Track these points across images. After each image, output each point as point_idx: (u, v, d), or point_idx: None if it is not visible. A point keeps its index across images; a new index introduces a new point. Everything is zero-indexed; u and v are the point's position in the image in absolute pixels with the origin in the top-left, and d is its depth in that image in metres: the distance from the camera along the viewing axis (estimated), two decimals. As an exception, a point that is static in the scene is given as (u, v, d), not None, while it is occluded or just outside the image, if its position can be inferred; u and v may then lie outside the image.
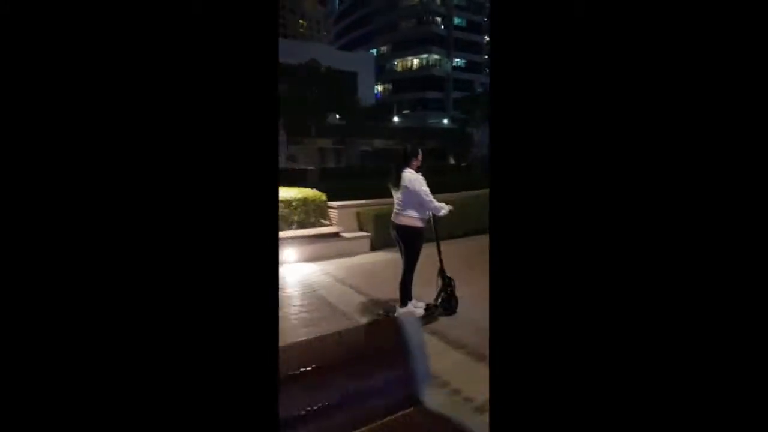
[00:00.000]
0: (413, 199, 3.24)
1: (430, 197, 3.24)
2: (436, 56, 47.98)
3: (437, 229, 3.50)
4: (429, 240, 3.40)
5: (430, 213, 3.36)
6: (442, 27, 48.82)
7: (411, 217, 3.27)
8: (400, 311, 3.36)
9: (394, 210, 3.39)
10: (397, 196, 3.35)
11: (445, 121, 40.00)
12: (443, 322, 3.40)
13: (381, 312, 3.34)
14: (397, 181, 3.31)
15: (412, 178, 3.24)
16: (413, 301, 3.40)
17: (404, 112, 41.56)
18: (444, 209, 3.33)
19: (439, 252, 3.52)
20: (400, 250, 3.41)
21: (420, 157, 3.35)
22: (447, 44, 48.84)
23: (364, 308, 3.69)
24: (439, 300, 3.49)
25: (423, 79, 46.68)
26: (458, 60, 49.95)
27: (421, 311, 3.40)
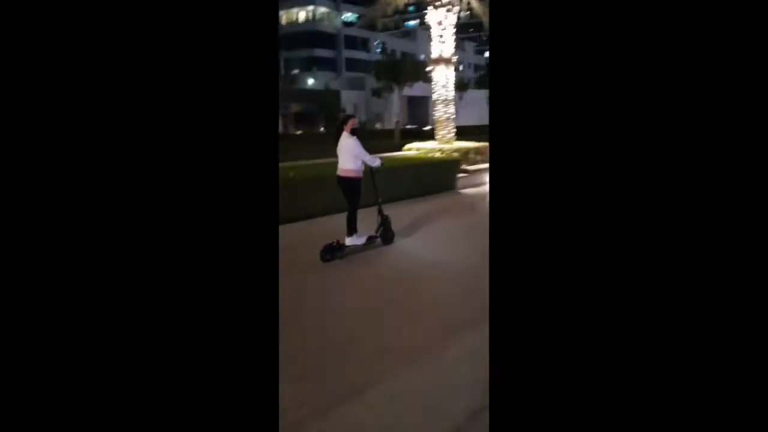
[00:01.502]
0: (349, 156, 4.16)
1: (364, 153, 4.21)
2: (323, 9, 45.86)
3: (375, 177, 4.43)
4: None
5: (365, 165, 4.26)
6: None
7: (349, 170, 4.21)
8: (348, 240, 4.29)
9: (339, 165, 4.29)
10: (339, 154, 4.27)
11: (311, 81, 38.13)
12: (383, 249, 4.44)
13: (333, 241, 4.21)
14: (336, 143, 4.26)
15: (347, 140, 4.19)
16: (356, 234, 4.34)
17: (293, 72, 39.63)
18: (377, 161, 4.29)
19: (377, 195, 4.47)
20: (345, 196, 4.29)
21: (351, 123, 4.29)
22: (334, -5, 46.60)
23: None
24: (379, 233, 4.48)
25: (311, 34, 44.47)
26: (349, 15, 48.44)
27: (363, 240, 4.37)
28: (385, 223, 4.51)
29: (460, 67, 46.92)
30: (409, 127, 28.23)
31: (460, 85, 23.77)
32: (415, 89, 26.45)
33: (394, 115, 27.52)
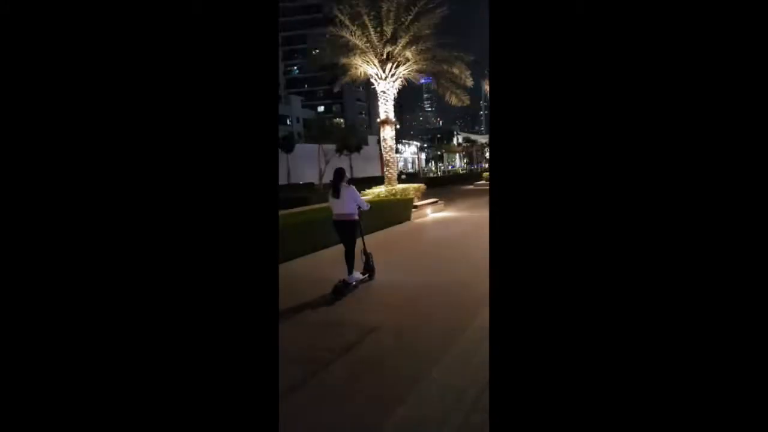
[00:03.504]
0: (349, 201, 4.90)
1: (360, 198, 5.02)
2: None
3: (361, 221, 5.16)
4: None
5: (360, 209, 5.01)
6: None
7: (348, 214, 4.93)
8: (348, 277, 4.87)
9: (335, 212, 4.97)
10: (336, 202, 4.94)
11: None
12: (368, 283, 5.13)
13: (339, 281, 4.71)
14: (336, 192, 4.95)
15: (348, 188, 4.95)
16: (356, 272, 4.96)
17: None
18: (367, 205, 5.09)
19: (362, 235, 5.19)
20: (343, 238, 4.92)
21: (346, 176, 5.09)
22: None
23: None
24: (364, 269, 5.17)
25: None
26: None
27: (360, 277, 5.00)
28: (368, 261, 5.22)
29: (288, 121, 47.93)
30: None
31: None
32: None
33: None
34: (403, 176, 33.20)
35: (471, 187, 24.65)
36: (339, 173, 5.06)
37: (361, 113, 68.05)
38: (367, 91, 74.79)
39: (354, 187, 5.03)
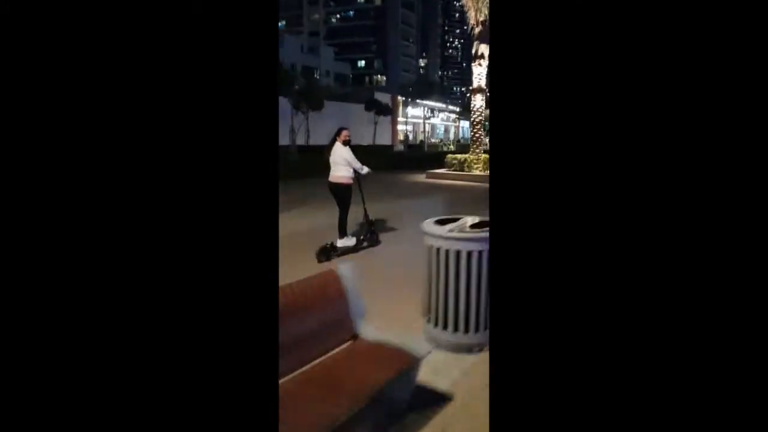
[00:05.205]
0: (342, 163, 4.55)
1: (355, 161, 4.60)
2: None
3: (361, 185, 4.79)
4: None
5: (355, 172, 4.64)
6: None
7: (341, 176, 4.59)
8: (339, 242, 4.57)
9: (331, 173, 4.63)
10: (331, 162, 4.62)
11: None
12: (369, 251, 4.80)
13: (327, 243, 4.43)
14: (329, 152, 4.62)
15: (341, 149, 4.58)
16: (347, 236, 4.66)
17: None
18: (365, 169, 4.68)
19: (364, 202, 4.83)
20: (337, 201, 4.60)
21: (344, 134, 4.68)
22: None
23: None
24: (367, 236, 4.85)
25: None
26: None
27: (353, 242, 4.70)
28: (370, 228, 4.90)
29: (316, 75, 44.24)
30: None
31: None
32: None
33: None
34: (400, 148, 30.23)
35: (422, 177, 13.98)
36: (336, 132, 4.73)
37: (407, 71, 64.90)
38: (419, 46, 70.35)
39: (348, 148, 4.62)
